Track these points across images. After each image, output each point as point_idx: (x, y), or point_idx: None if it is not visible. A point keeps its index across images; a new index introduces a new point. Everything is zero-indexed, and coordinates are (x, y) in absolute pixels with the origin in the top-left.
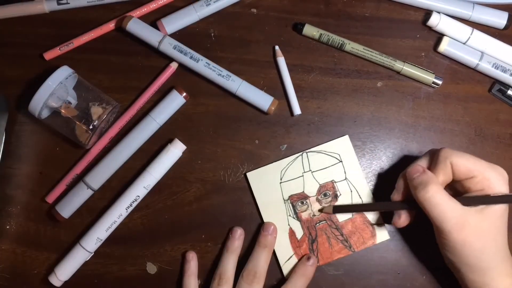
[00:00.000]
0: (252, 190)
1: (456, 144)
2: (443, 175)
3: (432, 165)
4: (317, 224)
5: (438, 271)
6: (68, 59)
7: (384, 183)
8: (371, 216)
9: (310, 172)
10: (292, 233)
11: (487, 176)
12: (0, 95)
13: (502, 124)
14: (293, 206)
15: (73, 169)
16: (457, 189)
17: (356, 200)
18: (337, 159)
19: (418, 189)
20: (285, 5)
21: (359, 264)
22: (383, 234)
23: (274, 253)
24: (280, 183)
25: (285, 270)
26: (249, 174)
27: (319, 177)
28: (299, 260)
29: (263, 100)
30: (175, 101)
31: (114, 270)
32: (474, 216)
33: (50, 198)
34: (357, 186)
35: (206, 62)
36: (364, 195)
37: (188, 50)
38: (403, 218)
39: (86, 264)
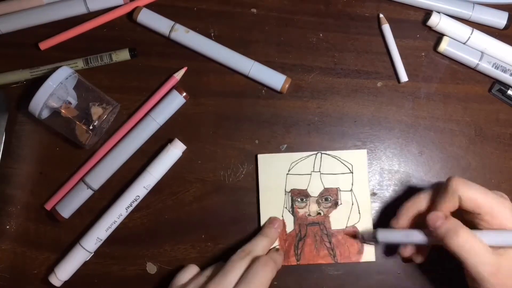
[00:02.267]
0: (257, 173)
1: (456, 144)
2: (449, 207)
3: (439, 196)
4: (310, 225)
5: (438, 272)
6: (68, 59)
7: (384, 183)
8: (364, 234)
9: (318, 173)
10: (283, 224)
11: (496, 214)
12: (0, 95)
13: (502, 124)
14: (292, 200)
15: (73, 176)
16: (462, 216)
17: (355, 214)
18: (348, 169)
19: (448, 237)
20: (285, 5)
21: (359, 264)
22: (369, 254)
23: None
24: (287, 174)
25: None
26: (259, 156)
27: (326, 180)
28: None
29: (276, 79)
30: (175, 101)
31: (114, 270)
32: (507, 260)
33: (49, 205)
34: (360, 201)
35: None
36: (364, 212)
37: (199, 35)
38: (408, 250)
39: (86, 264)
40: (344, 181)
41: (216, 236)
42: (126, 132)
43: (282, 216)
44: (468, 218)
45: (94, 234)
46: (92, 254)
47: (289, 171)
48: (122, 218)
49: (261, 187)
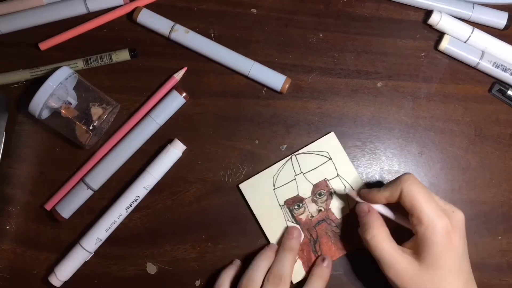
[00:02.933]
0: (247, 202)
1: (456, 144)
2: (389, 196)
3: (387, 183)
4: (317, 225)
5: None
6: (68, 59)
7: (384, 183)
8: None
9: (301, 174)
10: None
11: (425, 222)
12: (0, 95)
13: (502, 124)
14: (290, 211)
15: (73, 177)
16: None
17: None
18: (326, 157)
19: (363, 230)
20: (285, 5)
21: (359, 264)
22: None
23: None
24: (274, 189)
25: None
26: (241, 186)
27: (311, 177)
28: (314, 261)
29: (276, 79)
30: (175, 101)
31: (114, 270)
32: (412, 266)
33: (49, 205)
34: (350, 180)
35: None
36: (358, 187)
37: (199, 35)
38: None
39: (86, 264)
40: (327, 170)
41: (216, 236)
42: (126, 132)
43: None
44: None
45: (94, 234)
46: (92, 254)
47: (274, 186)
48: (122, 218)
49: (256, 213)
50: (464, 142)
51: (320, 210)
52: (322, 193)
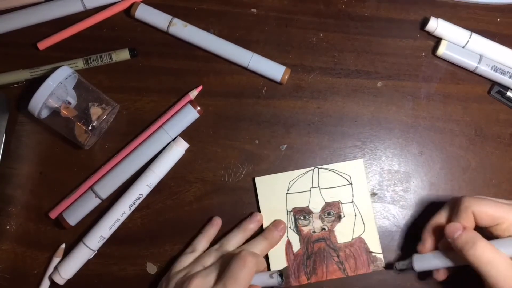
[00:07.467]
0: (257, 195)
1: (456, 144)
2: (466, 225)
3: (454, 215)
4: (316, 242)
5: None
6: (69, 59)
7: (384, 183)
8: (371, 244)
9: (318, 188)
10: (289, 245)
11: None
12: (0, 95)
13: (502, 124)
14: (295, 219)
15: (81, 186)
16: (485, 234)
17: (359, 225)
18: (347, 180)
19: (466, 249)
20: (285, 5)
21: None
22: (378, 264)
23: (267, 262)
24: (287, 193)
25: None
26: (257, 179)
27: (326, 195)
28: (270, 224)
29: (276, 70)
30: (189, 115)
31: (114, 270)
32: None
33: (54, 214)
34: (362, 211)
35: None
36: (368, 221)
37: (197, 29)
38: (442, 273)
39: (86, 264)
40: (344, 193)
41: (216, 236)
42: (139, 144)
43: (287, 236)
44: (491, 234)
45: (97, 233)
46: (95, 253)
47: (288, 190)
48: (125, 216)
49: (263, 210)
50: (464, 142)
51: (323, 229)
52: (332, 213)
